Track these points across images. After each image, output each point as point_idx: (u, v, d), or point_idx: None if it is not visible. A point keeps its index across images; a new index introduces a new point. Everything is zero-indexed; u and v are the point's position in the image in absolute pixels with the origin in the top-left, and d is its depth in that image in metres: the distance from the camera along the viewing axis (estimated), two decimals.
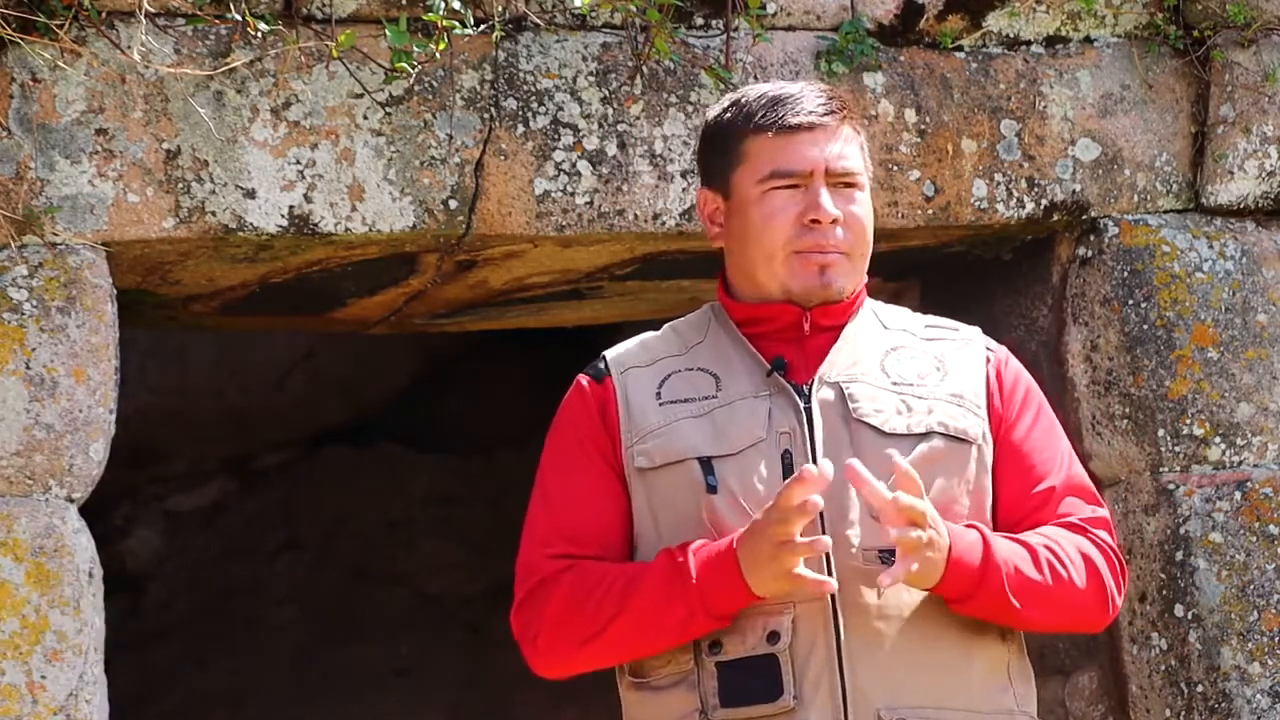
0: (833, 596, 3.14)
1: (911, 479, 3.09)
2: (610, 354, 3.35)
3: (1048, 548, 3.23)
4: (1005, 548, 3.20)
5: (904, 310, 3.43)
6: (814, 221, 3.23)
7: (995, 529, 3.29)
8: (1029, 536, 3.25)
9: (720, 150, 3.32)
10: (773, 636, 3.14)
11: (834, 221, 3.24)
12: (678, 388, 3.27)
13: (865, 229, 3.29)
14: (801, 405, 3.22)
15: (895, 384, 3.27)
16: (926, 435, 3.23)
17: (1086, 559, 3.26)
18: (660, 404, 3.26)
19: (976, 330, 3.42)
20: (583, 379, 3.33)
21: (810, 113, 3.25)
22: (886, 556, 3.16)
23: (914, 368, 3.30)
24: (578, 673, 3.30)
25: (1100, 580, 3.27)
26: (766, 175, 3.26)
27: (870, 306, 3.37)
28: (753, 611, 3.15)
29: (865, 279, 3.35)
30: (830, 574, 3.14)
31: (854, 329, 3.31)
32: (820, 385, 3.24)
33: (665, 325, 3.40)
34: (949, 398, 3.27)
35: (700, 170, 3.40)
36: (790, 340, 3.28)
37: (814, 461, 3.16)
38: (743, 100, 3.31)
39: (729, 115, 3.31)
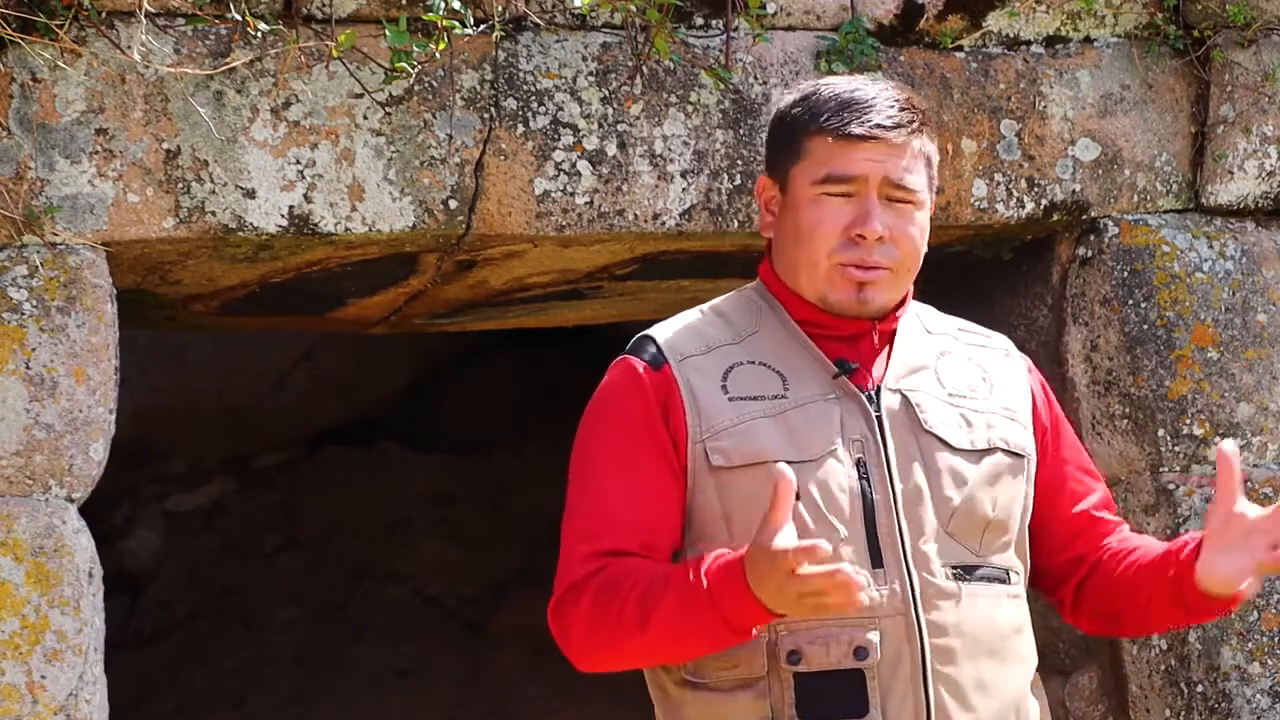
0: (916, 613, 3.10)
1: None
2: (661, 338, 3.22)
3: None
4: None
5: (934, 310, 3.38)
6: (860, 236, 3.16)
7: (1043, 543, 3.30)
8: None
9: (784, 142, 3.23)
10: (860, 652, 3.07)
11: (880, 239, 3.16)
12: (745, 383, 3.17)
13: (916, 248, 3.21)
14: (873, 413, 3.16)
15: (950, 395, 3.22)
16: (990, 450, 3.19)
17: None
18: (730, 399, 3.15)
19: (1004, 338, 3.38)
20: (636, 364, 3.19)
21: (876, 125, 3.16)
22: (962, 573, 3.14)
23: (964, 378, 3.25)
24: (621, 669, 3.18)
25: None
26: (821, 178, 3.17)
27: (913, 308, 3.32)
28: (834, 624, 3.07)
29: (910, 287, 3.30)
30: (914, 591, 3.10)
31: (903, 332, 3.26)
32: (885, 392, 3.19)
33: (705, 307, 3.29)
34: (1003, 411, 3.24)
35: (765, 157, 3.32)
36: (846, 340, 3.21)
37: (889, 472, 3.12)
38: (814, 97, 3.21)
39: (797, 110, 3.21)
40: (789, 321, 3.22)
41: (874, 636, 3.07)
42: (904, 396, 3.18)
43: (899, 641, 3.09)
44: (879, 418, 3.15)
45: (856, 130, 3.16)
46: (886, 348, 3.23)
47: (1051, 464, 3.29)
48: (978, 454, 3.18)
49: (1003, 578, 3.19)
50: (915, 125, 3.19)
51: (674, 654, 3.10)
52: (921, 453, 3.14)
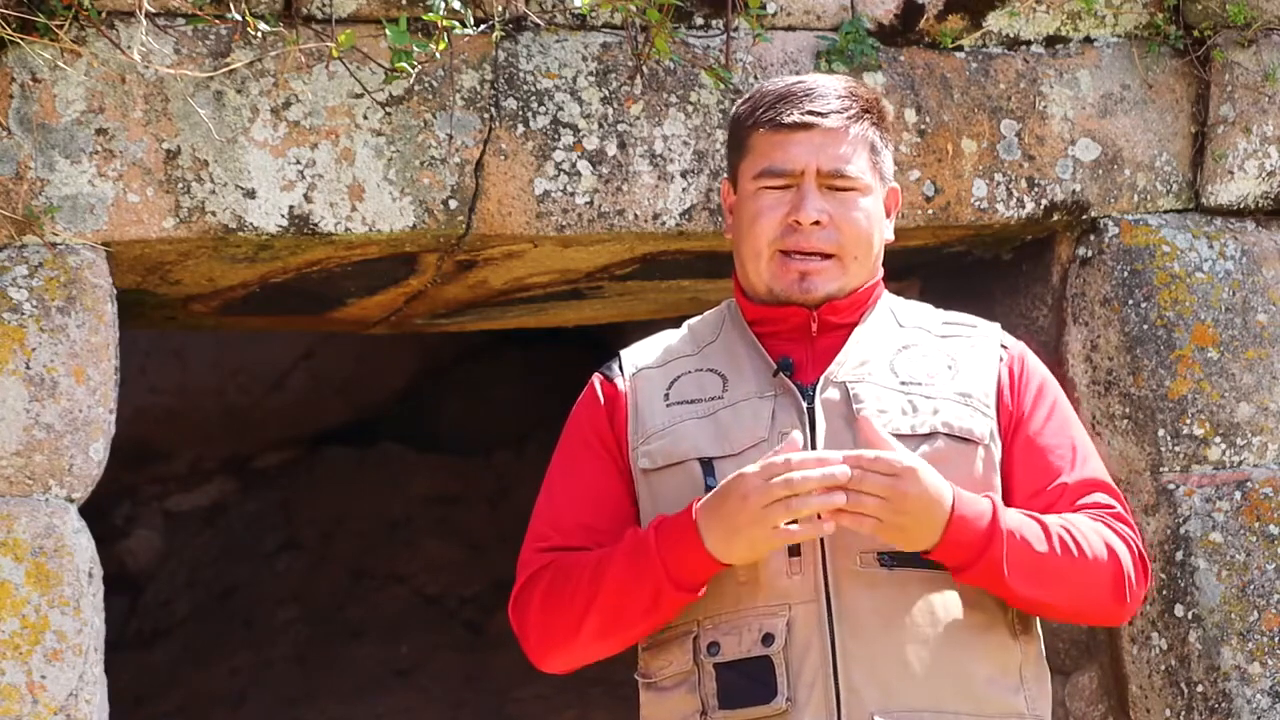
0: (827, 599, 3.14)
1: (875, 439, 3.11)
2: (626, 354, 3.36)
3: (1063, 526, 3.19)
4: (1015, 519, 3.16)
5: (924, 307, 3.40)
6: (795, 223, 3.23)
7: None
8: (1045, 516, 3.21)
9: (733, 142, 3.34)
10: (767, 639, 3.14)
11: (816, 224, 3.23)
12: (686, 389, 3.28)
13: (860, 232, 3.26)
14: (805, 406, 3.21)
15: (904, 384, 3.25)
16: (930, 436, 3.20)
17: (1105, 543, 3.22)
18: (667, 405, 3.26)
19: (995, 327, 3.38)
20: (596, 378, 3.33)
21: (810, 112, 3.24)
22: (889, 559, 3.16)
23: (924, 367, 3.27)
24: (579, 664, 3.29)
25: (1118, 565, 3.22)
26: (759, 172, 3.26)
27: (887, 304, 3.35)
28: (749, 613, 3.15)
29: (876, 276, 3.33)
30: (826, 576, 3.14)
31: (866, 328, 3.30)
32: (826, 385, 3.23)
33: (686, 322, 3.40)
34: (956, 397, 3.25)
35: (726, 161, 3.42)
36: (800, 340, 3.27)
37: None
38: (757, 94, 3.30)
39: (744, 107, 3.31)
40: (743, 325, 3.31)
41: (782, 623, 3.14)
42: (846, 389, 3.23)
43: (809, 628, 3.14)
44: (811, 410, 3.20)
45: (790, 119, 3.24)
46: (844, 343, 3.27)
47: (1018, 448, 3.28)
48: (917, 439, 3.20)
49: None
50: (853, 111, 3.26)
51: (619, 626, 3.18)
52: (855, 442, 3.17)
